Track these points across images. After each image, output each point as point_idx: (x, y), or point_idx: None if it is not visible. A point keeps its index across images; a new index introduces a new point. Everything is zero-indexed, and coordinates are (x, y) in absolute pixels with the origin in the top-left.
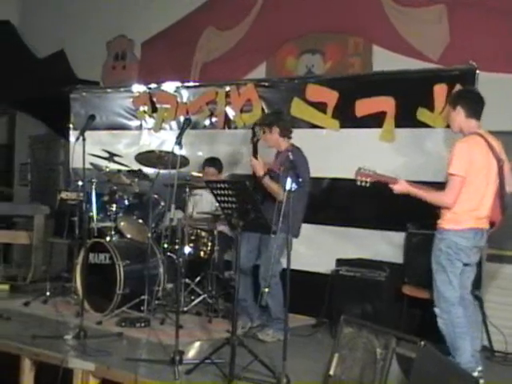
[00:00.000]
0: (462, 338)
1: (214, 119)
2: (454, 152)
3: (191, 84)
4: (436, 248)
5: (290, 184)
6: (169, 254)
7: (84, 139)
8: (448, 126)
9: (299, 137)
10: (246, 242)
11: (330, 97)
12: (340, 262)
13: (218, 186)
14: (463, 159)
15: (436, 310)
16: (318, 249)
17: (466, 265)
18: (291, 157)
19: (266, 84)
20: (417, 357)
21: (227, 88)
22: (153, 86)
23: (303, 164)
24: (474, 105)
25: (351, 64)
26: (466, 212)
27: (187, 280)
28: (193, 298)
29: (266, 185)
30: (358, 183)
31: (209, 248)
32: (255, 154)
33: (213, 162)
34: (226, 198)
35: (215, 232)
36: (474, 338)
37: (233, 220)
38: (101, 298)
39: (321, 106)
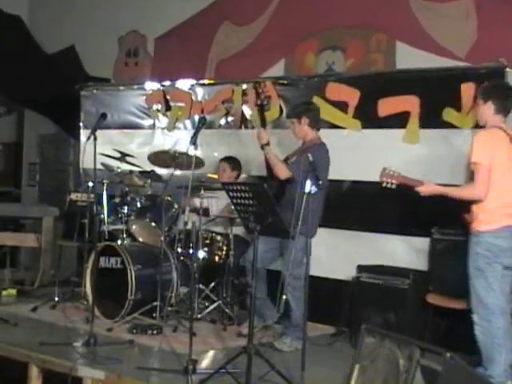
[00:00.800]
0: (499, 350)
1: (230, 118)
2: (474, 142)
3: (206, 82)
4: (473, 252)
5: (309, 186)
6: (182, 258)
7: (95, 138)
8: (476, 127)
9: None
10: (261, 242)
11: (352, 95)
12: (361, 269)
13: (235, 187)
14: (485, 148)
15: (474, 316)
16: (338, 254)
17: (506, 268)
18: (310, 158)
19: (285, 82)
20: (443, 369)
21: (244, 86)
22: (166, 83)
23: (324, 164)
24: (505, 101)
25: (374, 61)
26: (497, 209)
27: (201, 286)
28: (207, 304)
29: (268, 156)
30: (384, 185)
31: (224, 252)
32: (263, 121)
33: (228, 159)
34: (242, 201)
35: (231, 236)
36: (508, 350)
37: (250, 224)
38: (112, 303)
39: (341, 106)
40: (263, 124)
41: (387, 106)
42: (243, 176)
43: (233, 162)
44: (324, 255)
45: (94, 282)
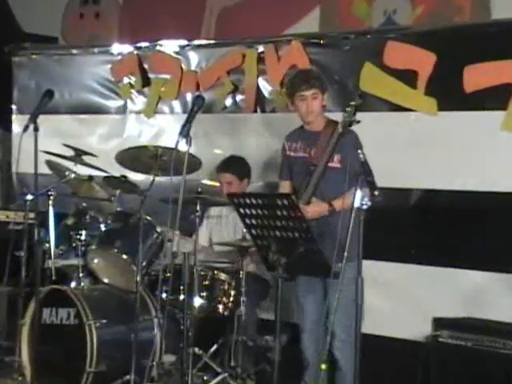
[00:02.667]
0: None
1: (239, 97)
2: None
3: (203, 42)
4: None
5: (360, 200)
6: (169, 308)
7: (36, 129)
8: None
9: (372, 124)
10: (304, 288)
11: (423, 61)
12: (439, 323)
13: (248, 201)
14: None
15: None
16: (403, 302)
17: None
18: (362, 157)
19: (321, 41)
20: None
21: (260, 48)
22: (143, 44)
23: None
24: None
25: (457, 9)
26: None
27: (197, 350)
28: (206, 378)
29: (343, 207)
30: None
31: (231, 299)
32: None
33: (229, 164)
34: (259, 221)
35: (241, 274)
36: None
37: (270, 255)
38: (61, 378)
39: (408, 77)
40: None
41: (478, 77)
42: (258, 184)
43: (239, 167)
44: (383, 303)
45: (34, 346)
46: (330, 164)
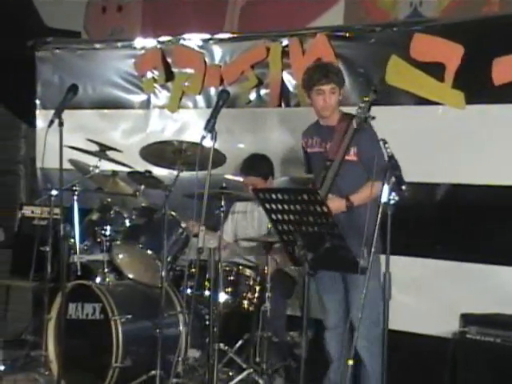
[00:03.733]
0: None
1: (263, 91)
2: None
3: (226, 36)
4: None
5: (388, 194)
6: (194, 304)
7: (61, 124)
8: None
9: (399, 117)
10: (326, 285)
11: (451, 54)
12: (467, 320)
13: (274, 196)
14: None
15: None
16: (430, 298)
17: None
18: (389, 151)
19: (346, 34)
20: None
21: (284, 41)
22: (167, 38)
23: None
24: None
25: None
26: None
27: (222, 346)
28: (231, 373)
29: (362, 201)
30: None
31: (256, 295)
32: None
33: (252, 166)
34: (285, 217)
35: (267, 269)
36: None
37: (297, 251)
38: (87, 374)
39: (435, 69)
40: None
41: (507, 69)
42: (282, 179)
43: (262, 168)
44: (410, 299)
45: (60, 341)
46: (347, 157)
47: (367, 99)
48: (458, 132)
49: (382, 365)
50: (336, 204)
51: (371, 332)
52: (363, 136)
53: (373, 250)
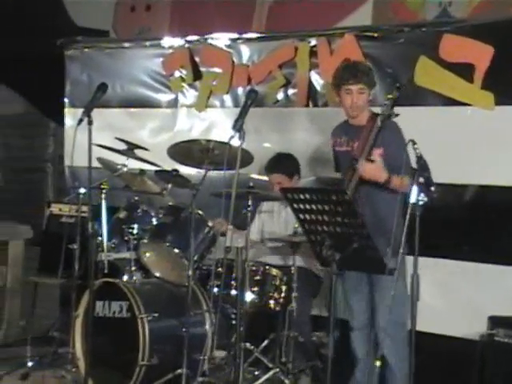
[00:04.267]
0: None
1: (291, 91)
2: None
3: (254, 35)
4: None
5: (416, 195)
6: (220, 303)
7: (90, 122)
8: None
9: (427, 118)
10: (352, 286)
11: (480, 54)
12: (495, 322)
13: (301, 196)
14: None
15: None
16: (457, 299)
17: None
18: (418, 151)
19: (375, 34)
20: None
21: (312, 41)
22: (195, 38)
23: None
24: None
25: None
26: None
27: (248, 345)
28: (257, 373)
29: (398, 187)
30: None
31: (282, 294)
32: (370, 150)
33: (277, 163)
34: (313, 216)
35: (293, 269)
36: None
37: (324, 251)
38: (114, 371)
39: (464, 70)
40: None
41: None
42: (309, 179)
43: (287, 166)
44: (436, 300)
45: (87, 339)
46: (371, 158)
47: (391, 97)
48: (487, 133)
49: (410, 367)
50: (377, 172)
51: (397, 333)
52: (390, 139)
53: (400, 251)
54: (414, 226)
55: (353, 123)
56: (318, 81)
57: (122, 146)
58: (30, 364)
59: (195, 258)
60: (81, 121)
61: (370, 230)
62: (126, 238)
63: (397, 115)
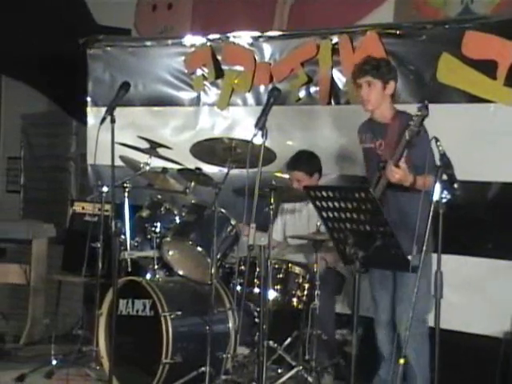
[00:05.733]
0: None
1: (313, 89)
2: None
3: (276, 33)
4: None
5: (440, 192)
6: (243, 301)
7: (112, 120)
8: None
9: (450, 115)
10: (378, 283)
11: (503, 51)
12: None
13: (324, 194)
14: None
15: None
16: (481, 297)
17: None
18: (441, 148)
19: (397, 32)
20: None
21: (334, 39)
22: (216, 36)
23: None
24: None
25: None
26: None
27: (271, 343)
28: (280, 371)
29: (423, 187)
30: None
31: (305, 292)
32: (399, 157)
33: (297, 161)
34: (336, 214)
35: (316, 267)
36: None
37: (347, 249)
38: (138, 369)
39: (487, 67)
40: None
41: None
42: (332, 177)
43: (307, 164)
44: (459, 298)
45: (111, 337)
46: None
47: (419, 114)
48: (510, 130)
49: (431, 363)
50: (403, 176)
51: (417, 330)
52: (416, 141)
53: (424, 248)
54: (437, 224)
55: (376, 120)
56: (340, 78)
57: (145, 145)
58: (54, 362)
59: (218, 256)
60: (103, 119)
61: (395, 228)
62: (148, 237)
63: (425, 132)
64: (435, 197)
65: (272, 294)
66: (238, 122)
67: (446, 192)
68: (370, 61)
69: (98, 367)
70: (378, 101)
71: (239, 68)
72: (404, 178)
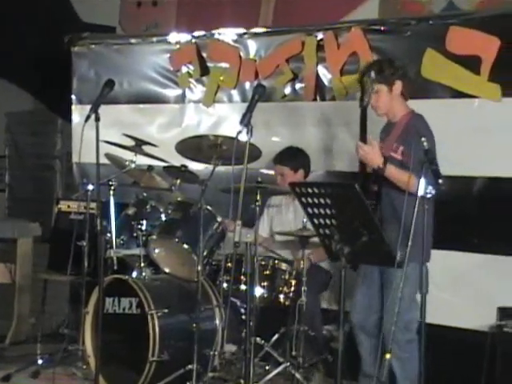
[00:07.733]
0: None
1: (298, 85)
2: None
3: (261, 30)
4: None
5: (424, 188)
6: (230, 298)
7: (98, 118)
8: None
9: (434, 112)
10: (361, 283)
11: (487, 47)
12: (504, 313)
13: (310, 191)
14: None
15: None
16: (467, 291)
17: None
18: (425, 144)
19: (382, 28)
20: None
21: (319, 35)
22: (201, 33)
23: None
24: None
25: None
26: None
27: (258, 339)
28: (268, 367)
29: (392, 177)
30: None
31: (292, 289)
32: (363, 133)
33: (282, 155)
34: (322, 211)
35: (302, 264)
36: None
37: (333, 245)
38: (125, 367)
39: (471, 62)
40: (363, 135)
41: None
42: (318, 173)
43: (292, 159)
44: (444, 292)
45: (97, 335)
46: (393, 154)
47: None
48: (494, 125)
49: (419, 358)
50: (375, 155)
51: (401, 337)
52: (412, 135)
53: (409, 243)
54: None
55: (391, 121)
56: (325, 75)
57: (130, 142)
58: (40, 361)
59: (204, 253)
60: (88, 117)
61: (387, 224)
62: (134, 235)
63: None
64: (420, 192)
65: (259, 291)
66: (224, 118)
67: (430, 187)
68: (372, 66)
69: (84, 366)
70: (386, 105)
71: (224, 65)
72: (370, 156)
